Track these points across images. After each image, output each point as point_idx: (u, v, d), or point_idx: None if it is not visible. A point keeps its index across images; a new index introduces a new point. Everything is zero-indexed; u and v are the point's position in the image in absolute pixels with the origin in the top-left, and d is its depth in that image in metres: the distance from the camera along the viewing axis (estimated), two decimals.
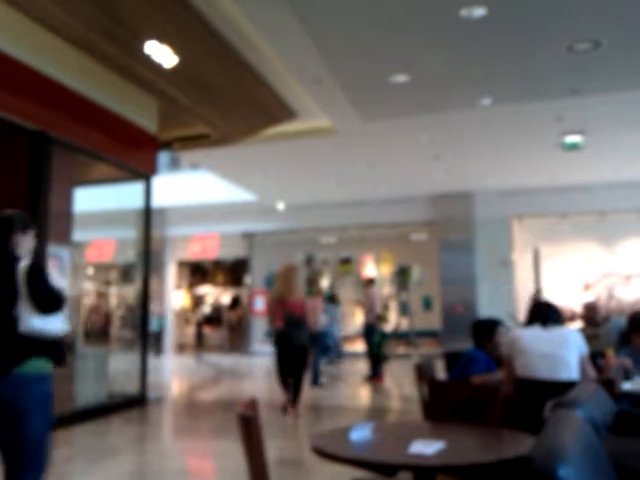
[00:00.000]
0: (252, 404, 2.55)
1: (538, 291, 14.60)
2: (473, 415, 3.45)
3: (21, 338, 3.11)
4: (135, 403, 8.78)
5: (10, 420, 3.12)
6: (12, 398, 3.10)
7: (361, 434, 2.64)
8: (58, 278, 7.66)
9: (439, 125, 10.12)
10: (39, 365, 3.19)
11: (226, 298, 20.64)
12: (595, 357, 4.67)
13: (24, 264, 3.24)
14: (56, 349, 3.29)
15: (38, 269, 3.29)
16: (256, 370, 14.41)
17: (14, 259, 3.27)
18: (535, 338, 4.05)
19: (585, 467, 2.05)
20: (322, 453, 2.43)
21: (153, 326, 17.67)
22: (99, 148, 8.43)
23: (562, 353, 3.95)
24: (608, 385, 3.94)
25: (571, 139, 10.48)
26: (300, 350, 7.93)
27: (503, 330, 4.54)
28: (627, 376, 4.52)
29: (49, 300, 3.21)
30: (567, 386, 3.57)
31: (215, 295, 20.97)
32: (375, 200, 15.76)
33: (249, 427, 2.37)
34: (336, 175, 13.46)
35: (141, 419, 8.31)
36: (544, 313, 4.18)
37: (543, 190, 14.73)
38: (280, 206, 16.48)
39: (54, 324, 3.21)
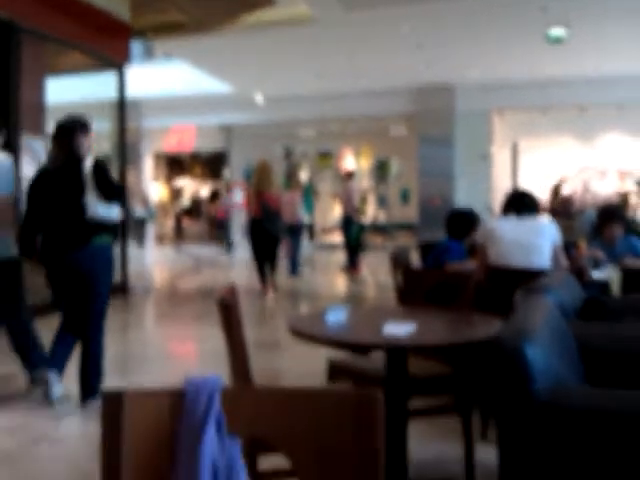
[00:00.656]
0: (231, 290, 2.61)
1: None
2: (445, 300, 3.57)
3: (90, 221, 4.02)
4: (117, 292, 8.91)
5: (85, 283, 4.08)
6: (90, 263, 4.05)
7: (336, 316, 2.73)
8: (33, 170, 7.56)
9: (423, 15, 9.81)
10: (105, 240, 4.13)
11: (205, 191, 20.57)
12: (568, 248, 4.79)
13: (89, 161, 4.07)
14: (115, 229, 4.23)
15: (103, 166, 4.13)
16: (235, 261, 14.61)
17: (79, 158, 4.07)
18: (510, 227, 4.13)
19: (551, 348, 2.16)
20: (299, 334, 2.52)
21: (142, 216, 17.70)
22: (70, 36, 8.11)
23: (536, 242, 4.04)
24: (578, 273, 4.08)
25: (555, 32, 10.25)
26: (273, 239, 8.63)
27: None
28: (597, 266, 4.67)
29: (112, 191, 4.07)
30: (539, 274, 3.69)
31: (194, 188, 20.89)
32: (355, 92, 15.46)
33: (229, 312, 2.44)
34: (315, 66, 13.13)
35: (123, 307, 8.48)
36: (519, 202, 4.23)
37: (524, 84, 14.53)
38: (258, 98, 16.14)
39: (113, 211, 4.09)
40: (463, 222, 4.59)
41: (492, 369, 2.06)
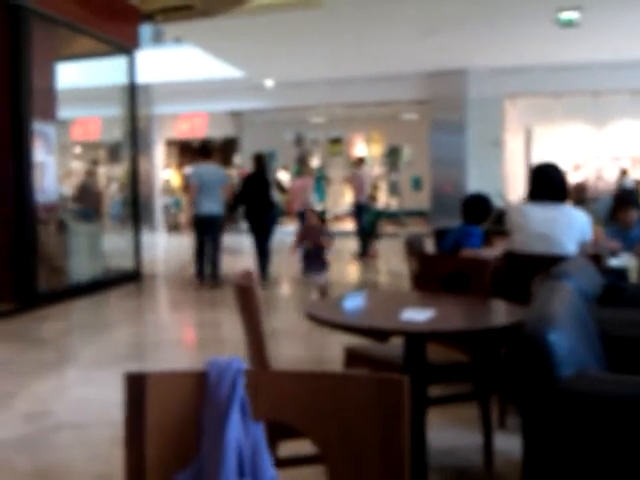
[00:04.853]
0: (248, 275, 2.59)
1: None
2: (462, 287, 3.52)
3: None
4: (130, 279, 8.93)
5: (266, 230, 8.75)
6: (271, 219, 8.90)
7: (354, 302, 2.70)
8: (45, 155, 7.56)
9: None
10: (273, 211, 8.84)
11: None
12: None
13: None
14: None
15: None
16: (246, 248, 14.58)
17: (265, 169, 9.10)
18: (537, 216, 3.91)
19: (574, 334, 2.13)
20: (316, 320, 2.49)
21: (170, 205, 17.78)
22: (80, 20, 8.07)
23: (562, 237, 3.85)
24: (595, 260, 4.00)
25: (567, 15, 10.11)
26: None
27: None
28: (614, 254, 4.60)
29: None
30: (557, 260, 3.62)
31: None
32: (366, 78, 15.34)
33: (246, 296, 2.42)
34: (325, 52, 13.02)
35: (137, 294, 8.51)
36: (549, 189, 3.95)
37: (537, 69, 14.36)
38: (268, 83, 16.04)
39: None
40: (480, 207, 4.52)
41: (515, 356, 2.03)
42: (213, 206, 8.22)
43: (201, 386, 1.24)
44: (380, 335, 2.72)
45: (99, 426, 3.69)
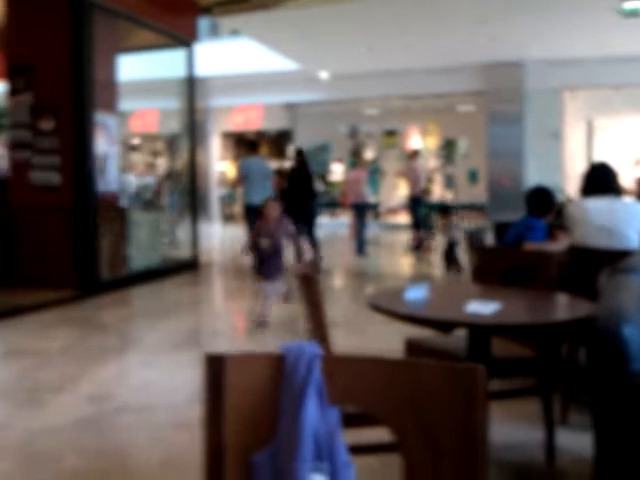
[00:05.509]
0: (312, 264, 2.60)
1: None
2: (525, 280, 3.46)
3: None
4: (188, 267, 9.08)
5: (309, 220, 9.22)
6: (312, 211, 9.42)
7: (416, 294, 2.68)
8: (106, 146, 7.74)
9: None
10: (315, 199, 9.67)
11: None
12: None
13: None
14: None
15: None
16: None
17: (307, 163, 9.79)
18: (599, 211, 3.88)
19: None
20: (380, 310, 2.48)
21: (225, 197, 18.05)
22: (140, 13, 8.22)
23: (626, 230, 3.81)
24: None
25: (630, 5, 9.77)
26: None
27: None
28: None
29: None
30: (623, 254, 3.53)
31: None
32: (421, 70, 15.17)
33: (309, 285, 2.43)
34: (381, 43, 12.93)
35: (194, 282, 8.65)
36: (605, 183, 3.99)
37: (596, 60, 13.91)
38: (323, 75, 16.04)
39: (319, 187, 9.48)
40: (544, 200, 4.42)
41: (587, 350, 1.98)
42: (261, 196, 8.40)
43: (277, 369, 1.25)
44: (444, 327, 2.69)
45: (160, 410, 3.77)
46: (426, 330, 3.15)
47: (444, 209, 10.54)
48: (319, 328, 2.43)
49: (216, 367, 1.22)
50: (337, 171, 18.08)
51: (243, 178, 8.90)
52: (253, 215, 8.61)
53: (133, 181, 12.80)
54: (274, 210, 6.00)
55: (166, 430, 3.46)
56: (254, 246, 5.96)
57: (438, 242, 11.72)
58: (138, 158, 16.52)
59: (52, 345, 5.19)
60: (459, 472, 1.25)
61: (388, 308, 2.49)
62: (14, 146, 7.63)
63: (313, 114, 17.79)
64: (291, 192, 9.41)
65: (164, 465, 3.05)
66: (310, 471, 1.19)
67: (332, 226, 16.05)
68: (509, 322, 2.45)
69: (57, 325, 5.91)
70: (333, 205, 17.20)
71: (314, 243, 9.30)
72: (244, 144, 19.79)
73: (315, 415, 1.22)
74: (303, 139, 17.87)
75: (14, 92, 7.58)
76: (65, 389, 4.12)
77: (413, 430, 1.26)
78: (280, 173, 11.61)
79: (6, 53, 7.82)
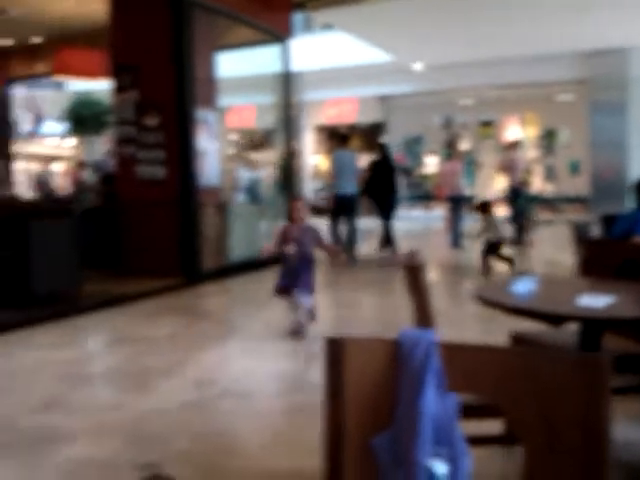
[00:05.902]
0: (415, 254, 2.58)
1: None
2: (633, 274, 3.30)
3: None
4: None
5: (393, 203, 10.02)
6: (395, 198, 10.08)
7: (525, 287, 2.61)
8: (207, 141, 7.97)
9: None
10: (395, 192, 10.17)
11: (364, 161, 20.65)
12: None
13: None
14: None
15: None
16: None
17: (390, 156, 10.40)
18: None
19: None
20: (487, 302, 2.44)
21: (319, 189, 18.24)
22: (237, 10, 8.39)
23: None
24: None
25: None
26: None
27: None
28: None
29: None
30: None
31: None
32: (518, 58, 14.71)
33: (416, 276, 2.42)
34: (476, 32, 12.63)
35: None
36: None
37: None
38: (417, 67, 15.86)
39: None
40: None
41: None
42: (349, 188, 9.13)
43: (394, 355, 1.25)
44: (555, 320, 2.61)
45: (262, 396, 3.86)
46: (528, 325, 3.05)
47: (545, 202, 10.19)
48: (425, 319, 2.42)
49: (336, 351, 1.24)
50: (431, 163, 17.85)
51: (334, 171, 9.26)
52: (343, 206, 9.18)
53: (245, 175, 13.20)
54: (300, 211, 5.11)
55: (267, 416, 3.55)
56: (279, 254, 5.13)
57: (539, 236, 11.37)
58: (233, 152, 16.93)
59: (158, 332, 5.42)
60: (582, 469, 1.21)
61: (495, 300, 2.44)
62: (120, 142, 7.99)
63: (406, 106, 17.64)
64: (373, 185, 9.85)
65: (265, 449, 3.12)
66: (430, 456, 1.19)
67: (426, 219, 15.87)
68: (625, 315, 2.34)
69: (163, 313, 6.16)
70: (427, 198, 17.02)
71: (389, 235, 9.79)
72: (336, 137, 19.93)
73: (434, 401, 1.22)
74: (396, 131, 17.76)
75: (120, 90, 7.92)
76: (171, 374, 4.29)
77: (534, 422, 1.23)
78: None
79: (112, 53, 8.19)
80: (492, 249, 8.15)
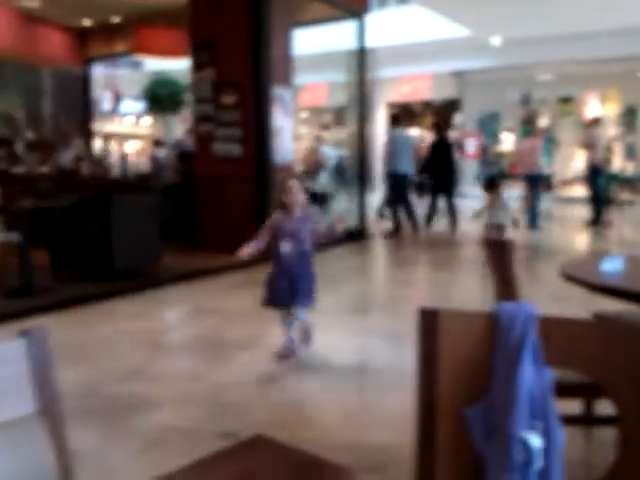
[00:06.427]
0: (499, 229, 2.54)
1: None
2: None
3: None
4: (356, 237, 9.24)
5: (449, 189, 10.19)
6: (451, 180, 10.32)
7: (612, 265, 2.54)
8: (283, 119, 8.01)
9: None
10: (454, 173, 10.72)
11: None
12: None
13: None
14: None
15: None
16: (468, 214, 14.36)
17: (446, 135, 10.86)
18: None
19: None
20: (574, 280, 2.38)
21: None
22: None
23: None
24: None
25: None
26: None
27: None
28: None
29: None
30: None
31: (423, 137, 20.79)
32: (600, 32, 14.08)
33: (501, 251, 2.38)
34: (557, 5, 12.17)
35: (362, 251, 8.81)
36: None
37: None
38: (494, 41, 15.43)
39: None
40: None
41: None
42: (405, 166, 9.51)
43: (491, 327, 1.25)
44: None
45: (337, 371, 3.91)
46: (606, 304, 2.95)
47: (625, 181, 9.78)
48: (509, 295, 2.39)
49: (430, 321, 1.24)
50: (507, 140, 17.43)
51: (390, 149, 9.65)
52: (396, 183, 9.63)
53: (332, 153, 13.27)
54: (295, 193, 3.91)
55: (341, 390, 3.59)
56: (271, 252, 4.03)
57: (619, 216, 10.98)
58: (305, 131, 16.98)
59: (235, 305, 5.55)
60: None
61: (582, 278, 2.38)
62: (198, 119, 8.14)
63: (482, 82, 17.24)
64: (431, 163, 10.38)
65: (337, 422, 3.16)
66: (524, 428, 1.19)
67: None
68: None
69: (239, 287, 6.29)
70: (501, 177, 16.64)
71: (453, 213, 10.06)
72: (407, 114, 19.70)
73: (531, 375, 1.21)
74: (471, 108, 17.41)
75: (198, 68, 8.05)
76: (249, 346, 4.39)
77: (632, 397, 1.20)
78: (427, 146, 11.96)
79: (190, 31, 8.31)
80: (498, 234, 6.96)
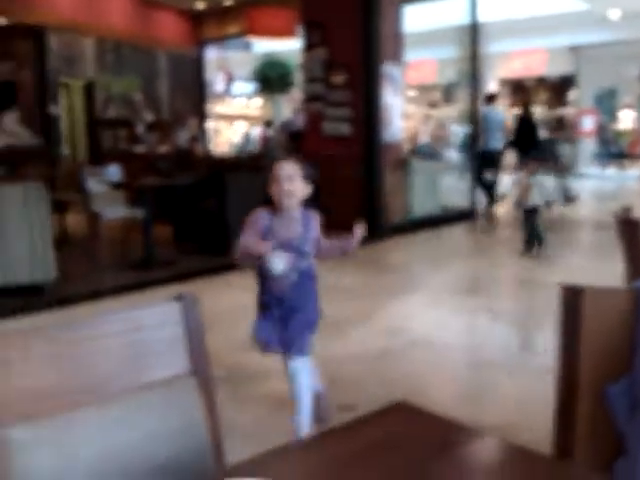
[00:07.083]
0: (628, 210, 2.45)
1: None
2: None
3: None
4: (466, 217, 9.10)
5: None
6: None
7: None
8: (392, 97, 7.98)
9: None
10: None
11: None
12: None
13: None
14: None
15: None
16: (584, 194, 13.75)
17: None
18: None
19: None
20: None
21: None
22: None
23: None
24: None
25: None
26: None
27: None
28: None
29: None
30: None
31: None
32: None
33: (636, 230, 2.30)
34: None
35: (471, 231, 8.67)
36: None
37: None
38: (613, 14, 14.58)
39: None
40: None
41: None
42: (496, 143, 9.59)
43: (635, 304, 1.23)
44: None
45: (449, 349, 3.91)
46: None
47: None
48: None
49: (572, 299, 1.24)
50: (626, 118, 16.52)
51: (483, 127, 9.73)
52: (489, 161, 9.55)
53: (459, 131, 13.21)
54: (289, 182, 2.51)
55: (453, 368, 3.59)
56: (256, 270, 2.66)
57: None
58: (412, 109, 16.77)
59: (346, 282, 5.62)
60: None
61: None
62: (309, 99, 8.24)
63: (599, 57, 16.34)
64: (517, 141, 10.41)
65: (458, 398, 3.17)
66: None
67: (620, 179, 14.78)
68: None
69: (349, 265, 6.35)
70: (621, 156, 15.81)
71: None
72: (523, 90, 19.05)
73: None
74: (587, 84, 16.60)
75: (309, 47, 8.12)
76: (361, 322, 4.46)
77: None
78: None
79: (301, 12, 8.40)
80: (530, 218, 6.53)
